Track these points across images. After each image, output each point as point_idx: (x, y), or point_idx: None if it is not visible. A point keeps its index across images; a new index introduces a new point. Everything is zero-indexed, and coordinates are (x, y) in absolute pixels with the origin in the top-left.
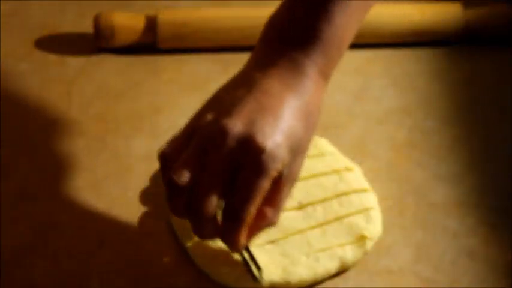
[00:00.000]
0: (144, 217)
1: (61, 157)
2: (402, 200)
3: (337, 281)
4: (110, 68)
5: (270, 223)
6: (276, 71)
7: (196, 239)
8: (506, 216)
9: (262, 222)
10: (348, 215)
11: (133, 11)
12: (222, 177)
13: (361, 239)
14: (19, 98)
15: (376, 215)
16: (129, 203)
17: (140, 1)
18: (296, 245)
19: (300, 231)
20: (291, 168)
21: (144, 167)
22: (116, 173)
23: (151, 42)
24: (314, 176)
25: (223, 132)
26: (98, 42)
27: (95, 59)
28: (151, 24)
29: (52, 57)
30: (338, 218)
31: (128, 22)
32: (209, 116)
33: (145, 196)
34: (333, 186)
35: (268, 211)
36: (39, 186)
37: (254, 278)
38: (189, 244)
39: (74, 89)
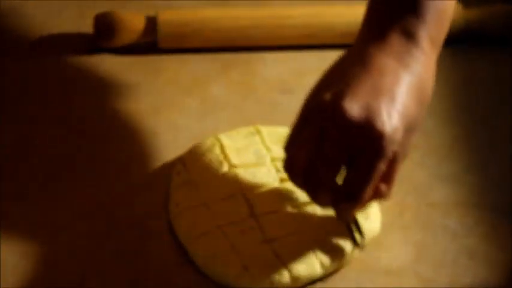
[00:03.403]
0: (144, 217)
1: (61, 157)
2: (402, 200)
3: (337, 280)
4: (110, 68)
5: (384, 197)
6: (389, 45)
7: (196, 239)
8: (506, 216)
9: (376, 196)
10: None
11: (133, 11)
12: (339, 158)
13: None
14: (19, 98)
15: (376, 214)
16: (130, 203)
17: (140, 1)
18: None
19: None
20: (404, 146)
21: (144, 166)
22: (116, 172)
23: (152, 42)
24: None
25: (340, 115)
26: (98, 42)
27: (95, 59)
28: (152, 24)
29: (52, 57)
30: None
31: (128, 22)
32: (325, 96)
33: (146, 196)
34: None
35: (383, 187)
36: (38, 186)
37: (355, 243)
38: (189, 244)
39: (74, 89)
